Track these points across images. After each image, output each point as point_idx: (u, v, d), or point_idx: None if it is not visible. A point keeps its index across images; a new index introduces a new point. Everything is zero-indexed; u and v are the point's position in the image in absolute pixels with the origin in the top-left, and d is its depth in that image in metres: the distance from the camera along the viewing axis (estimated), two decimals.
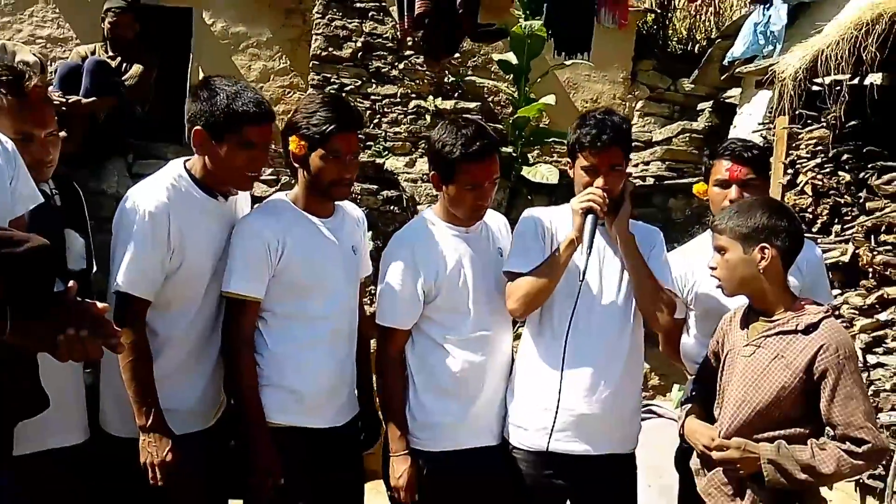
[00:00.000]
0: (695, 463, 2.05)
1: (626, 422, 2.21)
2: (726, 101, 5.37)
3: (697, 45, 6.26)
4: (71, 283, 1.44)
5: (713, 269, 2.00)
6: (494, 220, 2.32)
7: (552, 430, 2.11)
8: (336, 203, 2.18)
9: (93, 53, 4.51)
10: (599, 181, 2.10)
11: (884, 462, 2.96)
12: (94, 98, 4.17)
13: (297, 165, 2.08)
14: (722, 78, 5.35)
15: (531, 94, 4.89)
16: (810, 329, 1.86)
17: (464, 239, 2.19)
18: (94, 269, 2.08)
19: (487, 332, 2.16)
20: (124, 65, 4.52)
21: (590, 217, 2.08)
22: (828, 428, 1.85)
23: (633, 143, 5.71)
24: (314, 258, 2.07)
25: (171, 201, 1.94)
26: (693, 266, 2.41)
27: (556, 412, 2.08)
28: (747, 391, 1.86)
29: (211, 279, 2.04)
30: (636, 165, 5.45)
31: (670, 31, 6.42)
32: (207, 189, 2.02)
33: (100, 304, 1.41)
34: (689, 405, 2.11)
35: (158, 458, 1.93)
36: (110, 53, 4.56)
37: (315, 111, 2.02)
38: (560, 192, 2.32)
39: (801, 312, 1.89)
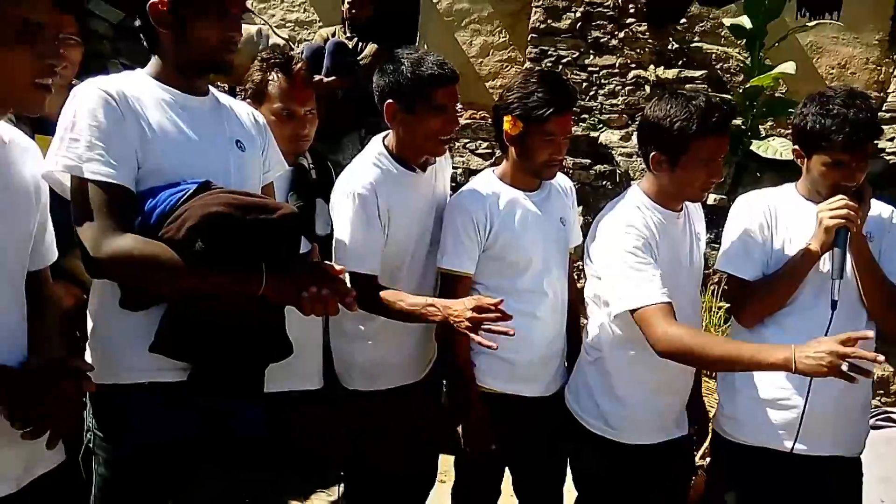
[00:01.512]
0: None
1: (851, 422, 2.00)
2: None
3: None
4: (314, 245, 1.61)
5: None
6: (697, 209, 2.18)
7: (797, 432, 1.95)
8: None
9: (333, 35, 4.89)
10: (849, 178, 1.88)
11: None
12: (333, 77, 4.54)
13: (508, 144, 2.11)
14: None
15: (766, 61, 4.48)
16: None
17: (676, 224, 2.07)
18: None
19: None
20: (360, 44, 4.82)
21: (841, 236, 1.86)
22: None
23: (890, 115, 5.05)
24: (522, 233, 2.10)
25: (376, 181, 2.02)
26: None
27: (802, 414, 1.90)
28: None
29: (416, 247, 2.11)
30: (892, 139, 4.80)
31: None
32: (404, 163, 2.08)
33: (337, 267, 1.57)
34: None
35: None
36: (348, 34, 4.91)
37: (532, 91, 2.02)
38: (792, 170, 2.10)
39: None
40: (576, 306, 2.31)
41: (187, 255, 1.44)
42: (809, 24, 4.04)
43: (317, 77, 4.45)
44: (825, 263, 1.92)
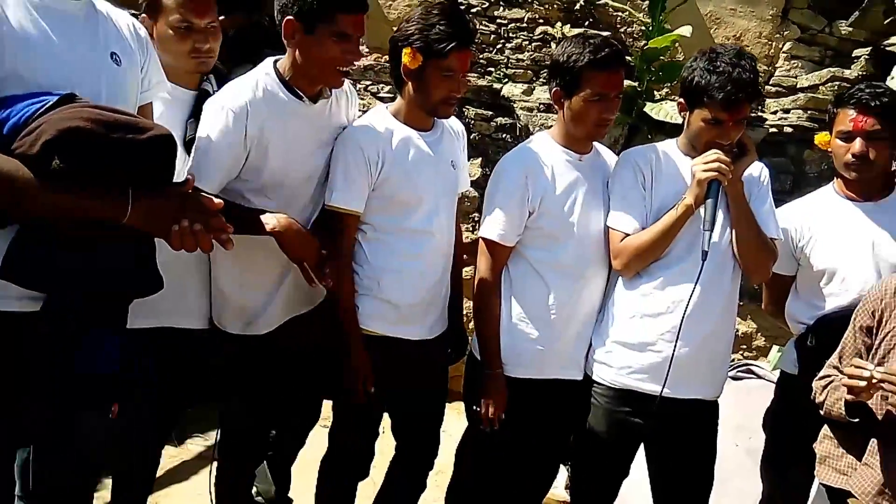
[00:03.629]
0: (825, 430, 1.93)
1: (715, 368, 2.14)
2: (887, 48, 4.83)
3: None
4: (191, 175, 1.52)
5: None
6: (610, 158, 2.25)
7: (648, 370, 2.07)
8: None
9: None
10: (724, 136, 1.99)
11: None
12: (221, 17, 4.22)
13: (405, 78, 2.07)
14: (886, 22, 4.81)
15: (666, 25, 4.59)
16: None
17: (576, 167, 2.14)
18: None
19: (585, 265, 2.12)
20: None
21: (713, 188, 1.96)
22: None
23: (776, 89, 5.30)
24: (413, 172, 2.08)
25: (252, 102, 1.92)
26: (811, 221, 2.24)
27: (672, 358, 2.01)
28: None
29: (299, 182, 2.05)
30: (774, 112, 5.06)
31: None
32: (294, 90, 1.99)
33: (216, 200, 1.49)
34: (830, 377, 1.92)
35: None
36: None
37: (434, 24, 1.98)
38: (682, 132, 2.20)
39: None
40: (459, 253, 2.32)
41: (43, 174, 1.32)
42: None
43: None
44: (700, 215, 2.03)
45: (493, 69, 5.00)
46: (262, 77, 1.98)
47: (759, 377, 3.55)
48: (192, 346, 2.11)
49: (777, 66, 5.32)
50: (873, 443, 1.75)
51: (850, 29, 5.23)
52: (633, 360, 2.09)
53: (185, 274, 1.98)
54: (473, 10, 5.07)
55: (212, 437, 2.68)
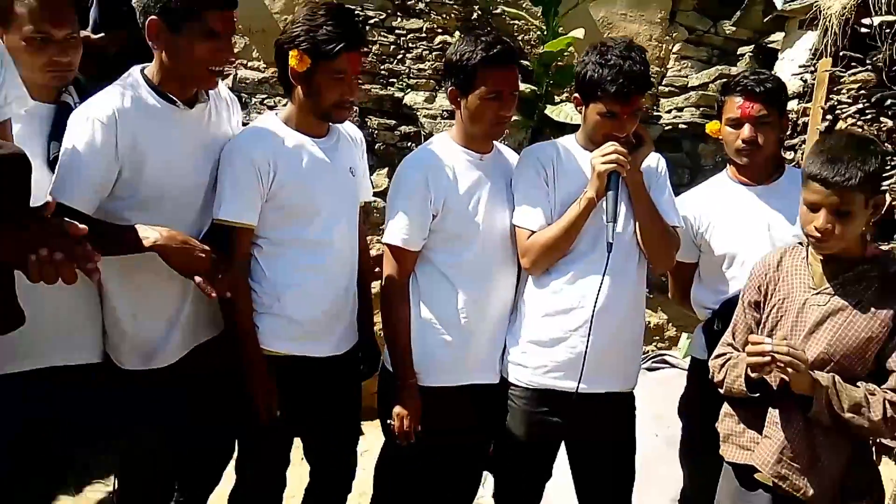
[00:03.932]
0: (726, 408, 1.94)
1: (628, 359, 2.14)
2: (768, 45, 5.09)
3: None
4: (48, 198, 1.37)
5: (821, 232, 1.72)
6: (512, 157, 2.23)
7: (559, 368, 2.05)
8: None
9: None
10: (619, 129, 2.00)
11: None
12: (102, 35, 3.95)
13: (293, 83, 1.98)
14: (765, 21, 5.06)
15: (560, 30, 4.68)
16: (893, 278, 1.73)
17: (478, 166, 2.10)
18: None
19: (493, 265, 2.08)
20: None
21: (613, 180, 1.96)
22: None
23: (669, 88, 5.49)
24: (308, 180, 1.98)
25: (120, 110, 1.78)
26: (709, 208, 2.29)
27: (586, 353, 1.99)
28: (830, 342, 1.73)
29: (181, 192, 1.91)
30: (669, 111, 5.23)
31: None
32: (166, 95, 1.87)
33: (80, 225, 1.33)
34: (726, 356, 1.94)
35: None
36: None
37: (320, 24, 1.90)
38: None
39: (877, 259, 1.77)
40: (366, 264, 2.24)
41: None
42: None
43: (84, 32, 3.91)
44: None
45: (395, 79, 4.96)
46: (130, 84, 1.85)
47: (673, 366, 3.62)
48: (85, 383, 1.93)
49: (668, 66, 5.52)
50: (772, 413, 1.79)
51: (734, 28, 5.49)
52: (547, 358, 2.06)
53: (70, 301, 1.80)
54: (371, 21, 5.03)
55: (111, 480, 2.48)
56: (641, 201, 2.04)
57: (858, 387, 1.71)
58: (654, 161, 2.17)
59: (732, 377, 1.84)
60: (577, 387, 1.99)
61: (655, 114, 5.14)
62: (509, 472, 2.20)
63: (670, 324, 4.20)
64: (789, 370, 1.65)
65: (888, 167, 3.31)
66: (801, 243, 1.88)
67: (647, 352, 4.03)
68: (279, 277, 1.98)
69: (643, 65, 1.99)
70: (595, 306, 1.96)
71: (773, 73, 2.45)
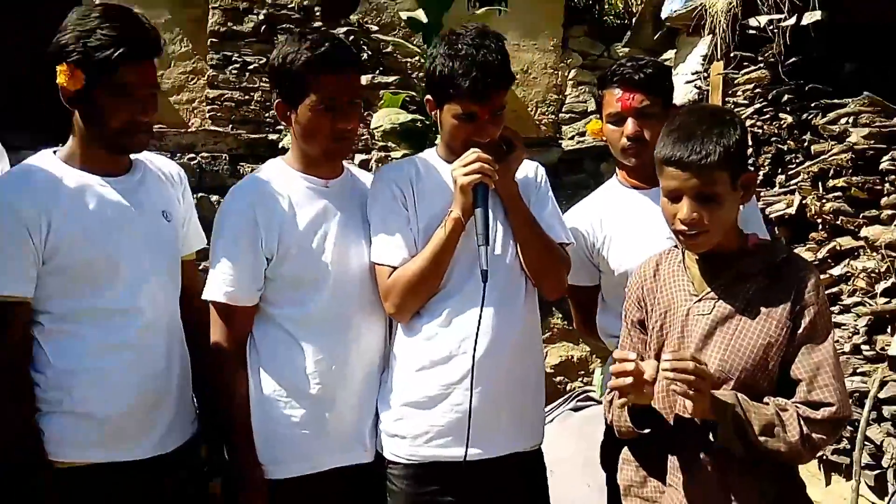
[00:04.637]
0: (625, 453, 1.62)
1: (527, 409, 1.80)
2: (664, 63, 5.06)
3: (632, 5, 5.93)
4: None
5: (687, 224, 1.43)
6: (369, 181, 1.89)
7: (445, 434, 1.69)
8: (134, 157, 1.69)
9: None
10: (481, 133, 1.69)
11: (847, 435, 2.59)
12: None
13: (68, 106, 1.60)
14: (655, 38, 5.03)
15: None
16: (780, 269, 1.46)
17: (322, 194, 1.75)
18: None
19: (351, 314, 1.72)
20: None
21: (481, 195, 1.65)
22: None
23: (569, 115, 5.37)
24: (97, 231, 1.58)
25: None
26: (601, 219, 2.00)
27: (470, 410, 1.64)
28: (724, 357, 1.44)
29: None
30: (572, 138, 5.11)
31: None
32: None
33: None
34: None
35: None
36: None
37: (92, 29, 1.54)
38: None
39: (759, 250, 1.49)
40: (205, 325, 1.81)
41: None
42: (478, 12, 4.07)
43: None
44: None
45: (269, 124, 4.68)
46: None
47: (600, 402, 3.31)
48: None
49: (566, 93, 5.42)
50: (672, 457, 1.48)
51: (626, 49, 5.44)
52: (428, 422, 1.68)
53: None
54: (251, 66, 4.74)
55: None
56: (519, 216, 1.74)
57: (767, 403, 1.40)
58: (532, 170, 1.88)
59: (617, 414, 1.53)
60: (465, 453, 1.63)
61: (559, 141, 5.00)
62: None
63: (594, 356, 3.92)
64: (690, 391, 1.33)
65: (791, 163, 3.16)
66: (675, 246, 1.60)
67: (573, 389, 3.72)
68: (68, 363, 1.55)
69: (501, 54, 1.70)
70: (475, 349, 1.62)
71: (653, 58, 2.22)
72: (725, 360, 1.43)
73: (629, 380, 1.37)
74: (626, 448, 1.59)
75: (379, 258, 1.72)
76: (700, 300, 1.48)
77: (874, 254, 2.69)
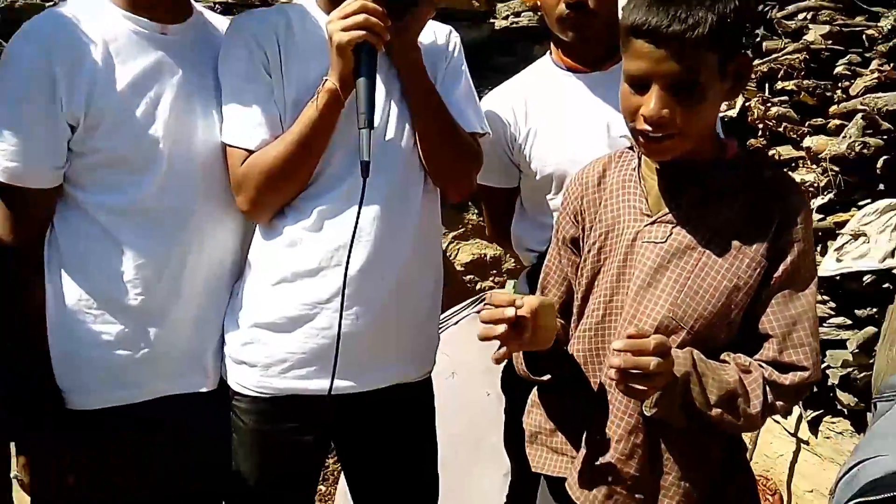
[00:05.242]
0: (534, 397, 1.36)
1: (418, 332, 1.51)
2: None
3: None
4: None
5: (652, 123, 1.09)
6: (224, 26, 1.46)
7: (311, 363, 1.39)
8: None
9: None
10: None
11: None
12: None
13: None
14: None
15: None
16: (762, 190, 1.14)
17: (156, 44, 1.33)
18: None
19: (194, 209, 1.35)
20: None
21: (365, 60, 1.27)
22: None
23: None
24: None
25: None
26: (527, 108, 1.66)
27: (339, 336, 1.31)
28: (677, 301, 1.13)
29: None
30: (506, 18, 4.68)
31: None
32: None
33: None
34: None
35: None
36: None
37: None
38: None
39: (740, 163, 1.17)
40: None
41: None
42: None
43: None
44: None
45: None
46: None
47: None
48: None
49: None
50: (590, 417, 1.22)
51: None
52: (285, 348, 1.38)
53: None
54: None
55: None
56: (419, 94, 1.37)
57: (726, 363, 1.14)
58: (443, 36, 1.50)
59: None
60: (331, 387, 1.33)
61: (492, 20, 4.55)
62: None
63: (509, 256, 3.69)
64: (641, 388, 1.04)
65: None
66: (630, 147, 1.27)
67: (483, 289, 3.50)
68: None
69: None
70: (348, 261, 1.30)
71: None
72: (678, 306, 1.13)
73: (501, 328, 1.07)
74: (535, 390, 1.33)
75: (231, 138, 1.34)
76: (653, 222, 1.17)
77: (815, 167, 2.49)
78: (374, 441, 1.48)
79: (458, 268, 3.54)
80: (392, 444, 1.48)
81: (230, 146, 1.35)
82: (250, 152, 1.33)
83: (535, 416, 1.32)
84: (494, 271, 3.55)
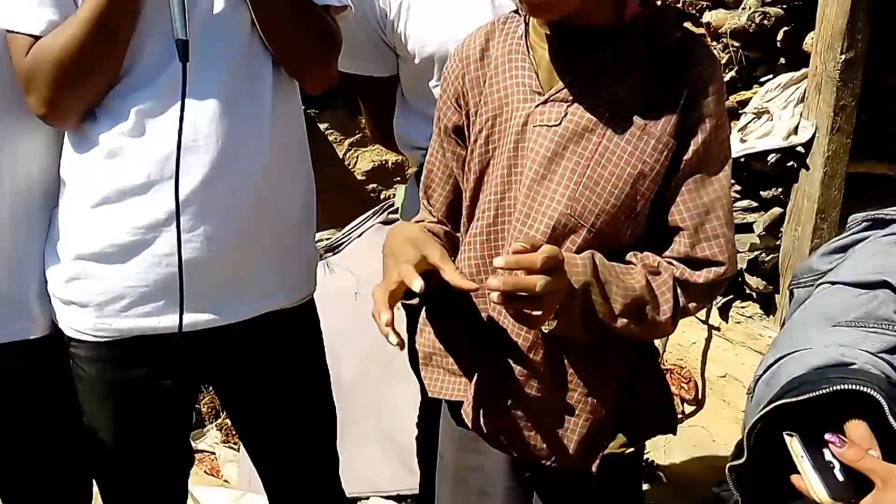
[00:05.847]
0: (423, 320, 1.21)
1: (284, 249, 1.32)
2: None
3: None
4: None
5: None
6: None
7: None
8: None
9: None
10: None
11: None
12: None
13: None
14: None
15: None
16: (668, 57, 0.97)
17: None
18: None
19: None
20: None
21: None
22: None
23: None
24: None
25: None
26: None
27: (180, 262, 1.11)
28: (577, 192, 0.97)
29: None
30: None
31: None
32: None
33: None
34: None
35: None
36: None
37: None
38: None
39: (642, 25, 0.98)
40: None
41: None
42: None
43: None
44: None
45: None
46: None
47: None
48: None
49: None
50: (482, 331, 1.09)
51: None
52: (121, 282, 1.17)
53: None
54: None
55: None
56: None
57: (633, 265, 1.00)
58: None
59: None
60: (180, 323, 1.14)
61: None
62: (117, 486, 1.34)
63: None
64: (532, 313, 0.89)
65: None
66: (516, 11, 1.08)
67: (386, 198, 3.31)
68: None
69: None
70: (177, 169, 1.07)
71: None
72: (576, 200, 0.97)
73: (385, 321, 0.93)
74: (425, 309, 1.18)
75: (8, 22, 1.07)
76: (545, 102, 1.00)
77: (716, 43, 2.37)
78: (253, 379, 1.31)
79: (360, 177, 3.32)
80: (274, 379, 1.32)
81: (10, 32, 1.08)
82: (36, 38, 1.07)
83: (426, 337, 1.17)
84: (398, 178, 3.35)
